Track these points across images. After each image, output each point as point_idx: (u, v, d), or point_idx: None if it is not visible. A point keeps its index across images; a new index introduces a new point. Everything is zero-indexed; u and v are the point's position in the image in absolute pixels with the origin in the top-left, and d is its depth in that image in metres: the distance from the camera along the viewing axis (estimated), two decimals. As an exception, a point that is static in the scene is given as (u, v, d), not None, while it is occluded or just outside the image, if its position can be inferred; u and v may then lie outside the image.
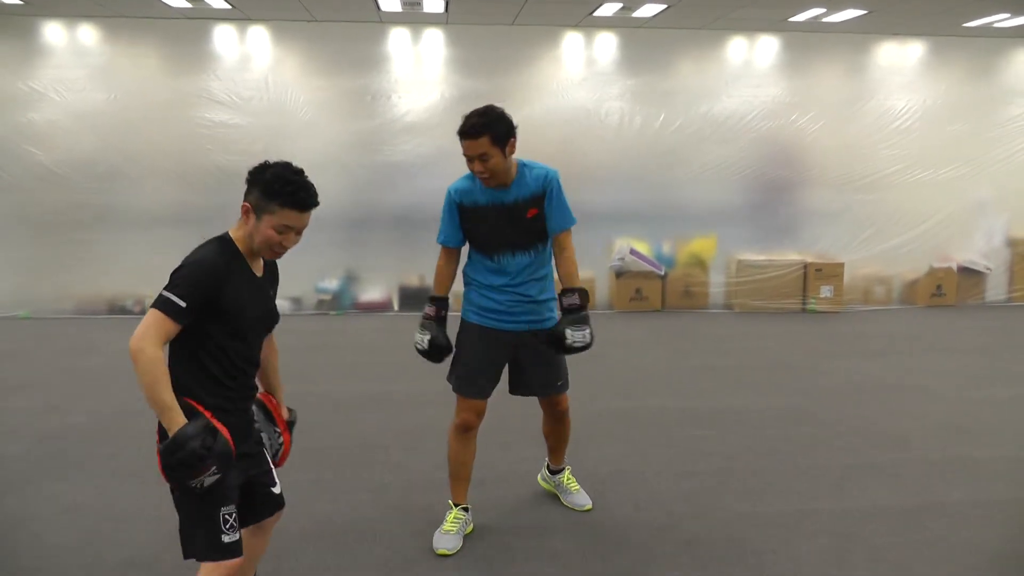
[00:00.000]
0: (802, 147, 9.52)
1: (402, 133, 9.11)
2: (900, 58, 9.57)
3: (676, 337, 8.15)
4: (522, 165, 3.54)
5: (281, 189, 2.46)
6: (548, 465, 4.17)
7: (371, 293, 9.39)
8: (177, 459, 2.32)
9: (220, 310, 2.45)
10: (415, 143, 9.09)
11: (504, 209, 3.51)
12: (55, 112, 8.81)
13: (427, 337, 3.66)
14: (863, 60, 9.55)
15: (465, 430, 3.73)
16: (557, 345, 3.49)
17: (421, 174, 8.94)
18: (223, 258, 2.49)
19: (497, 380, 3.72)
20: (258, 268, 2.63)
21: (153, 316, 2.35)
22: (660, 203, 9.16)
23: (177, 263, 2.44)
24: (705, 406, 5.76)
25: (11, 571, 3.49)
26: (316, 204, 2.52)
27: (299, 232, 2.54)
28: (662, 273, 9.24)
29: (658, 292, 9.25)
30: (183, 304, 2.36)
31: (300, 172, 2.52)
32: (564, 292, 3.53)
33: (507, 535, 3.81)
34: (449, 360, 3.75)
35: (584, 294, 3.52)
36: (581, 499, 4.06)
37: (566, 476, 4.13)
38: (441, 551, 3.62)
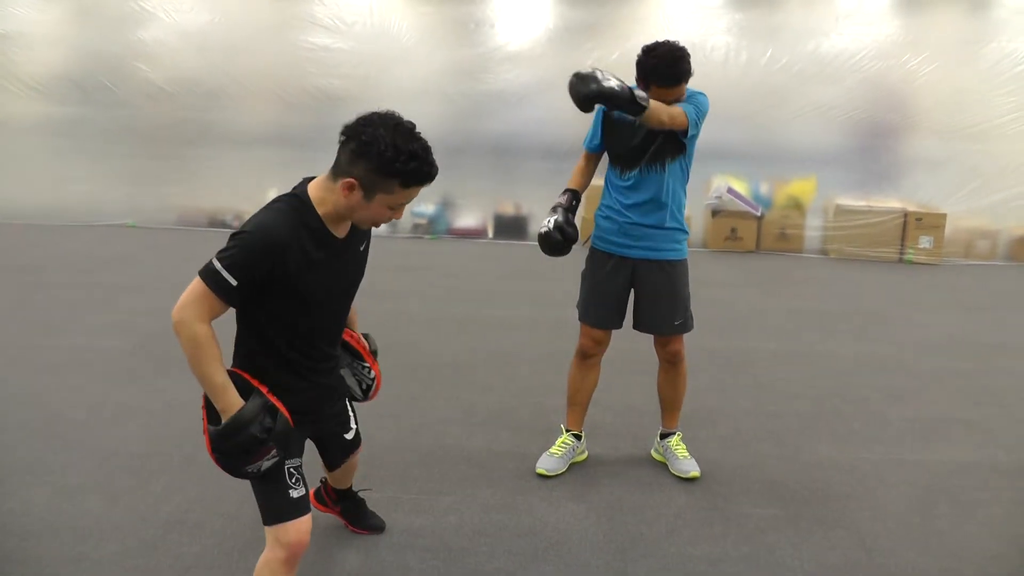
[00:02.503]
0: (912, 90, 9.17)
1: (504, 62, 9.10)
2: (1027, -1, 9.07)
3: (769, 280, 8.06)
4: (690, 94, 3.43)
5: (404, 167, 2.08)
6: (660, 430, 3.94)
7: (466, 219, 9.51)
8: (233, 444, 2.15)
9: (284, 288, 2.16)
10: (516, 73, 9.08)
11: (651, 130, 3.38)
12: (163, 31, 9.09)
13: (554, 218, 3.48)
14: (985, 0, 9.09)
15: (584, 357, 3.75)
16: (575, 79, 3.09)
17: (521, 104, 8.96)
18: (291, 226, 2.13)
19: (620, 311, 3.67)
20: (341, 230, 2.26)
21: (199, 288, 2.08)
22: (761, 142, 8.98)
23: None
24: (794, 349, 5.73)
25: (124, 454, 3.76)
26: (437, 171, 2.17)
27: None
28: (759, 214, 9.10)
29: (753, 233, 9.12)
30: (233, 282, 2.07)
31: (415, 132, 2.13)
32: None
33: (600, 464, 3.89)
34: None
35: (646, 100, 3.11)
36: (687, 465, 3.76)
37: (675, 441, 3.86)
38: (539, 471, 3.72)
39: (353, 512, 3.15)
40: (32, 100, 9.17)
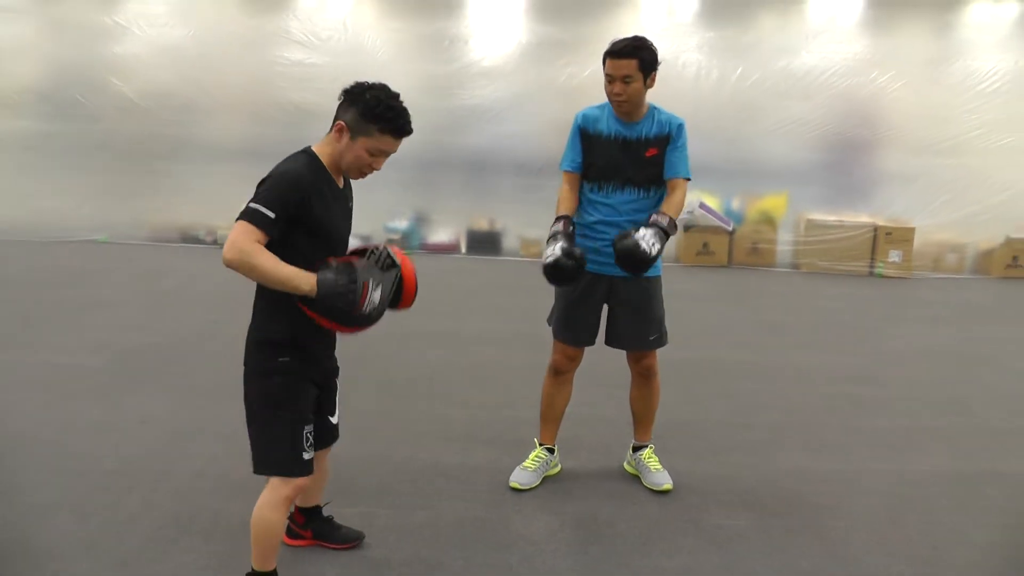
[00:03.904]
0: (881, 107, 9.33)
1: (478, 78, 9.16)
2: (992, 18, 9.26)
3: (740, 293, 8.13)
4: (653, 107, 3.56)
5: (382, 113, 2.47)
6: (632, 442, 3.96)
7: (439, 235, 9.54)
8: (337, 297, 2.37)
9: (309, 223, 2.47)
10: (490, 88, 9.14)
11: (626, 143, 3.52)
12: (137, 45, 9.09)
13: (559, 245, 3.37)
14: (951, 19, 9.30)
15: (557, 373, 3.78)
16: (625, 242, 3.29)
17: (495, 120, 9.01)
18: (309, 170, 2.50)
19: (592, 328, 3.69)
20: (340, 180, 2.66)
21: (242, 227, 2.36)
22: (733, 158, 9.09)
23: (249, 196, 2.41)
24: (765, 361, 5.78)
25: (96, 472, 3.72)
26: (411, 131, 2.54)
27: (387, 156, 2.56)
28: (731, 228, 9.19)
29: (725, 247, 9.21)
30: (271, 215, 2.37)
31: (398, 97, 2.52)
32: (658, 212, 3.41)
33: (573, 478, 3.91)
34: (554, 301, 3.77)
35: (673, 224, 3.39)
36: (660, 478, 3.77)
37: (647, 453, 3.87)
38: (513, 484, 3.73)
39: (325, 531, 3.16)
40: (3, 115, 9.10)
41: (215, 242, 9.09)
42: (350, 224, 2.75)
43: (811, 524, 3.53)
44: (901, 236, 9.11)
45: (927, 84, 9.24)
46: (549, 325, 3.79)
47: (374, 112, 2.47)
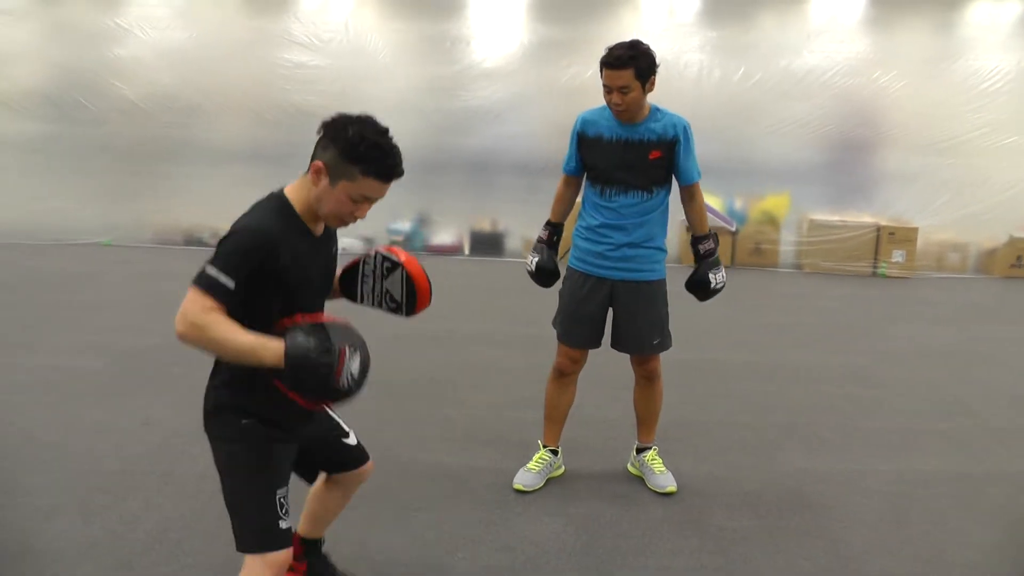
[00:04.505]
0: (882, 106, 9.32)
1: (480, 79, 9.16)
2: (994, 17, 9.25)
3: (743, 294, 8.11)
4: (655, 108, 3.54)
5: (365, 153, 2.12)
6: (636, 444, 3.95)
7: (442, 236, 9.54)
8: (311, 372, 2.04)
9: (271, 282, 2.14)
10: (492, 89, 9.14)
11: (627, 145, 3.49)
12: (139, 48, 9.10)
13: (536, 259, 3.71)
14: (953, 18, 9.28)
15: (561, 375, 3.78)
16: (702, 289, 3.63)
17: (497, 121, 9.02)
18: (276, 224, 2.16)
19: (597, 331, 3.69)
20: (317, 228, 2.29)
21: (195, 296, 2.04)
22: (735, 158, 9.07)
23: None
24: (768, 361, 5.78)
25: (99, 473, 3.73)
26: (401, 174, 2.19)
27: (373, 203, 2.22)
28: (733, 229, 9.19)
29: (728, 248, 9.21)
30: (230, 284, 2.05)
31: (386, 133, 2.17)
32: (699, 239, 3.68)
33: (577, 479, 3.91)
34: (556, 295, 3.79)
35: (716, 239, 3.67)
36: (664, 480, 3.77)
37: (651, 455, 3.87)
38: (517, 486, 3.73)
39: (319, 569, 2.85)
40: (6, 117, 9.12)
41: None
42: (331, 278, 2.44)
43: (814, 525, 3.53)
44: (904, 236, 9.10)
45: (929, 83, 9.22)
46: (554, 327, 3.79)
47: (357, 151, 2.11)
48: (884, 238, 9.10)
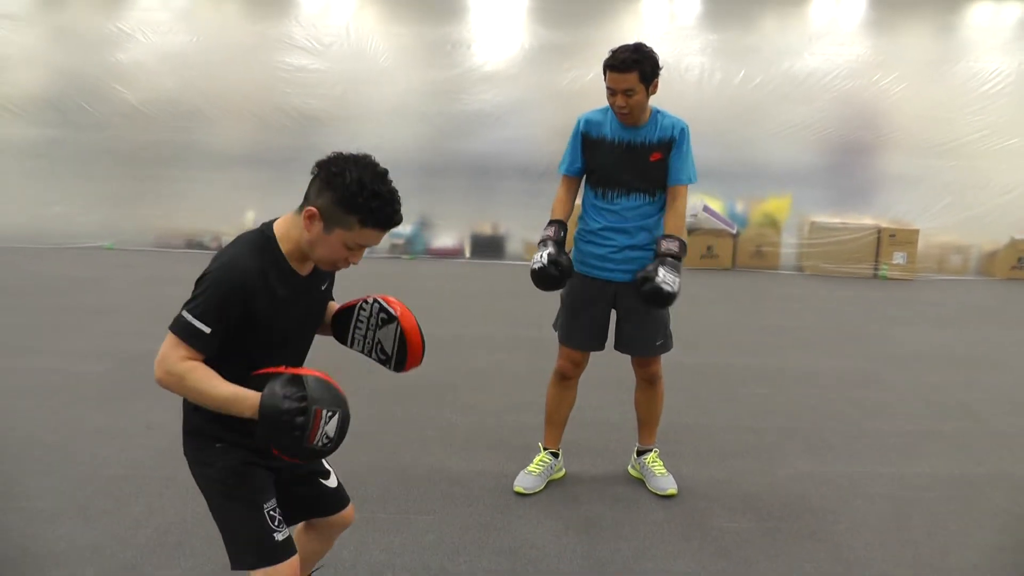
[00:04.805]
0: (883, 109, 9.30)
1: (481, 82, 9.16)
2: (995, 20, 9.25)
3: (745, 296, 8.13)
4: (656, 111, 3.55)
5: (365, 203, 2.00)
6: (637, 446, 3.96)
7: (443, 239, 9.53)
8: (283, 429, 1.97)
9: (251, 326, 2.07)
10: (493, 93, 9.14)
11: (630, 147, 3.50)
12: (141, 52, 9.10)
13: (546, 252, 3.48)
14: (953, 20, 9.27)
15: (562, 377, 3.78)
16: (648, 286, 3.33)
17: (498, 124, 9.01)
18: (255, 264, 2.06)
19: (600, 334, 3.69)
20: (305, 268, 2.18)
21: (172, 343, 2.00)
22: (736, 161, 9.05)
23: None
24: (770, 365, 5.78)
25: (102, 477, 3.74)
26: (400, 221, 2.10)
27: (367, 248, 2.13)
28: (734, 231, 9.19)
29: (729, 250, 9.20)
30: (206, 330, 1.99)
31: (386, 176, 2.06)
32: (665, 237, 3.46)
33: (578, 482, 3.91)
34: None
35: (684, 246, 3.44)
36: (664, 483, 3.77)
37: (652, 457, 3.87)
38: (517, 489, 3.74)
39: None
40: (8, 122, 9.13)
41: (220, 247, 9.11)
42: (320, 316, 2.34)
43: (816, 528, 3.53)
44: (905, 238, 9.09)
45: (930, 86, 9.22)
46: (555, 330, 3.79)
47: (355, 202, 2.00)
48: (885, 240, 9.09)
